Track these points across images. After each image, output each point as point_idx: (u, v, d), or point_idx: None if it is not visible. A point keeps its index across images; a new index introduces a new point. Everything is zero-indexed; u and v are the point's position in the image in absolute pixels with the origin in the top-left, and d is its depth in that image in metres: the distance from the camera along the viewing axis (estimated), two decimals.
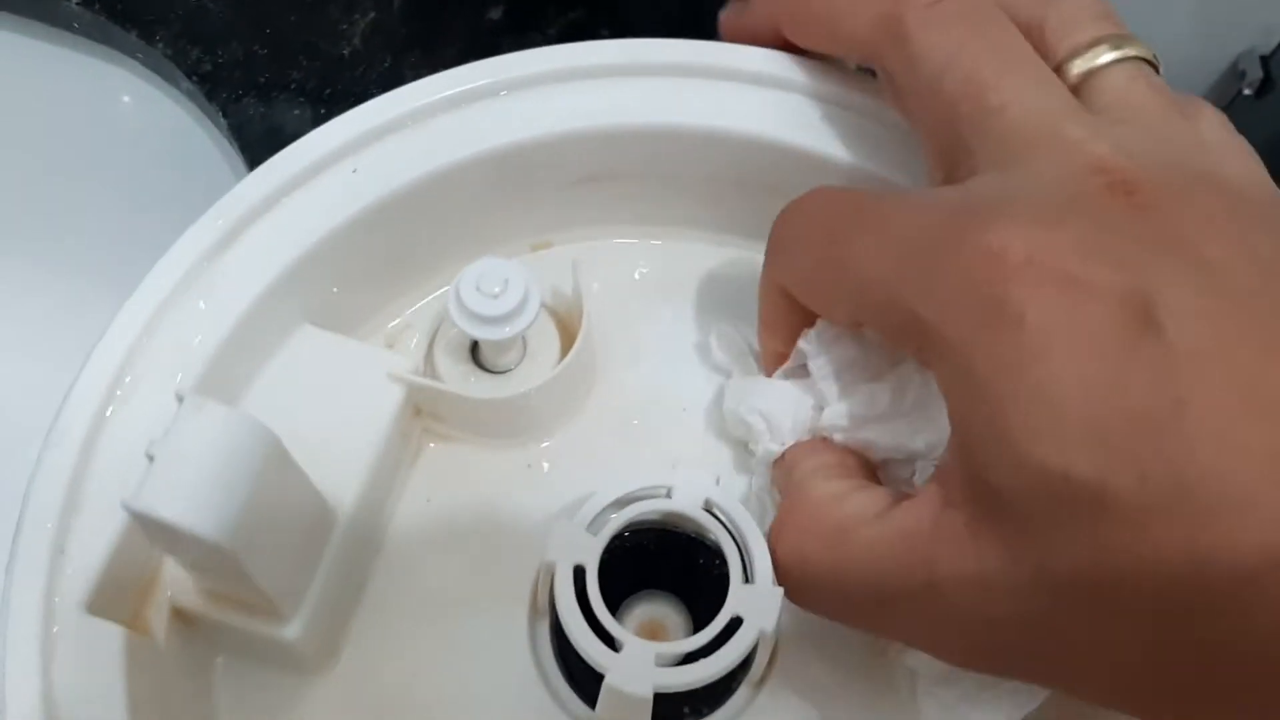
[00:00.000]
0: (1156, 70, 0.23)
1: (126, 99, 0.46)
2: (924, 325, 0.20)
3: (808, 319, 0.26)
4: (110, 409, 0.25)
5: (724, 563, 0.28)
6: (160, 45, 0.44)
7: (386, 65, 0.44)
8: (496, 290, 0.27)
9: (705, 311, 0.32)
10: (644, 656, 0.24)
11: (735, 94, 0.29)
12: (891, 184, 0.28)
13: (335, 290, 0.29)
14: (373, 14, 0.45)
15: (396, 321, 0.31)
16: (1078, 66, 0.23)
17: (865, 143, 0.28)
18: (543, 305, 0.29)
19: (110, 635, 0.23)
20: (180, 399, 0.21)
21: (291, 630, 0.25)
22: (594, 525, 0.26)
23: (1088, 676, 0.19)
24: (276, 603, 0.24)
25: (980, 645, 0.20)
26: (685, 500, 0.26)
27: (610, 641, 0.24)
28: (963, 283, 0.19)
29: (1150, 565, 0.17)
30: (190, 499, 0.20)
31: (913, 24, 0.23)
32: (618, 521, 0.25)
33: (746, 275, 0.32)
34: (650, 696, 0.23)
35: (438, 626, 0.28)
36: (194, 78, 0.43)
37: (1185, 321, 0.17)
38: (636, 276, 0.32)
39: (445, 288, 0.31)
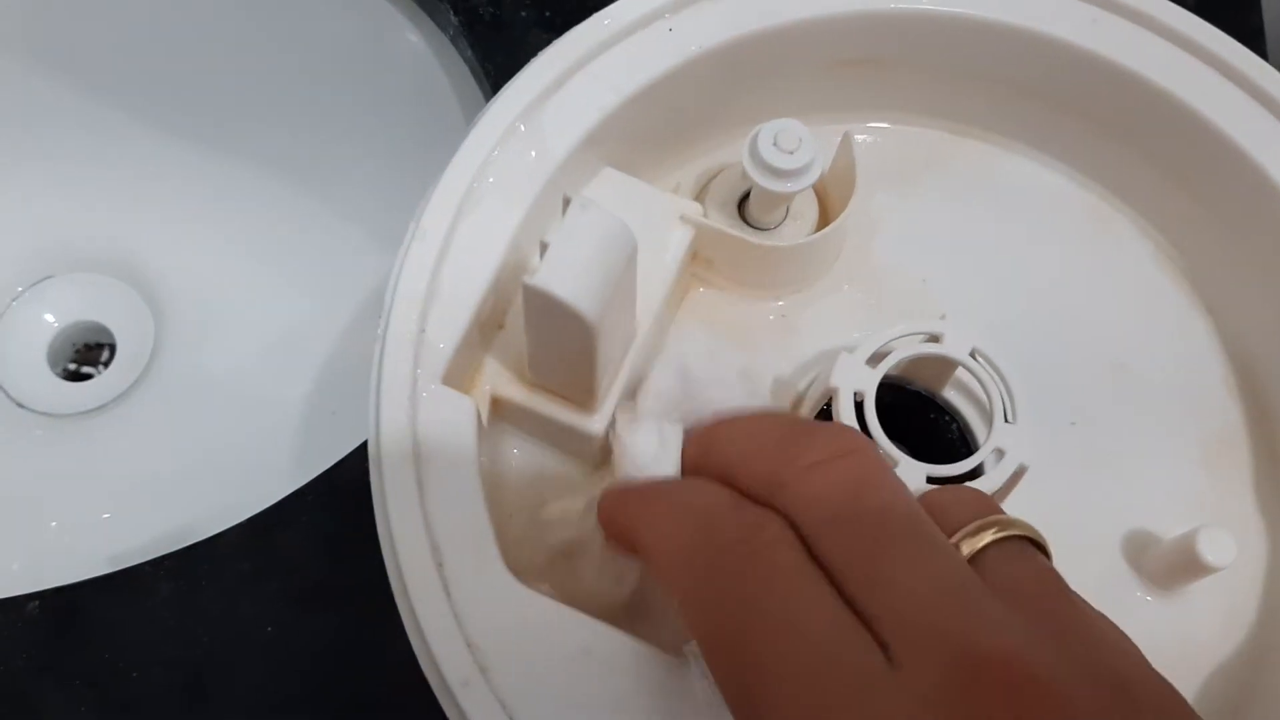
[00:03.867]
0: (1044, 551, 0.22)
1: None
2: None
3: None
4: (458, 219, 0.28)
5: (953, 420, 0.32)
6: None
7: None
8: (792, 147, 0.30)
9: (939, 196, 0.35)
10: (918, 474, 0.27)
11: None
12: (1147, 86, 0.31)
13: (633, 140, 0.32)
14: None
15: (667, 180, 0.34)
16: (962, 550, 0.21)
17: (1132, 44, 0.31)
18: None
19: (463, 403, 0.27)
20: (568, 200, 0.25)
21: (596, 423, 0.29)
22: (871, 361, 0.29)
23: None
24: (597, 393, 0.28)
25: None
26: (955, 345, 0.29)
27: None
28: None
29: None
30: (577, 282, 0.24)
31: (788, 481, 0.22)
32: (894, 357, 0.29)
33: (980, 166, 0.35)
34: None
35: None
36: None
37: None
38: (881, 157, 0.35)
39: (709, 153, 0.35)
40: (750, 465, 0.23)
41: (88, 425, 0.52)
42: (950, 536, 0.21)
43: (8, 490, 0.48)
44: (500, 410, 0.29)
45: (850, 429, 0.24)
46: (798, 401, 0.32)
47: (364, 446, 0.36)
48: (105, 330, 0.54)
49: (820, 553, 0.20)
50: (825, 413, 0.30)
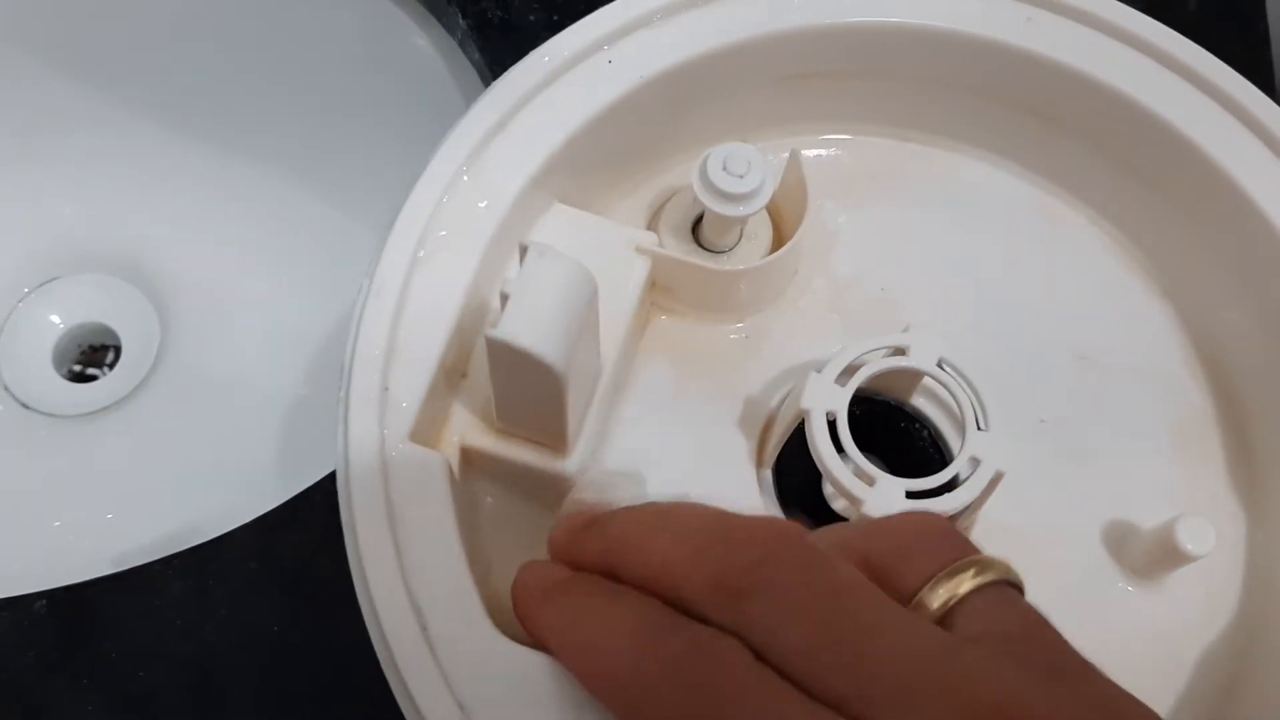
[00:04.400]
0: (1019, 589, 0.21)
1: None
2: None
3: None
4: (413, 272, 0.28)
5: (924, 428, 0.32)
6: None
7: None
8: (741, 171, 0.30)
9: (893, 204, 0.35)
10: (897, 490, 0.27)
11: None
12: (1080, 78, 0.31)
13: (582, 173, 0.31)
14: None
15: (619, 207, 0.34)
16: (940, 596, 0.20)
17: (1068, 41, 0.31)
18: None
19: (433, 459, 0.26)
20: (524, 248, 0.24)
21: (571, 464, 0.28)
22: (840, 379, 0.29)
23: None
24: (569, 436, 0.27)
25: None
26: (921, 357, 0.29)
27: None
28: None
29: None
30: (540, 330, 0.24)
31: (743, 586, 0.20)
32: (862, 374, 0.29)
33: (931, 171, 0.35)
34: None
35: (668, 471, 0.31)
36: None
37: None
38: (833, 169, 0.35)
39: (660, 176, 0.35)
40: (690, 574, 0.21)
41: (93, 426, 0.52)
42: (923, 585, 0.21)
43: (12, 491, 0.48)
44: (470, 459, 0.29)
45: (769, 516, 0.23)
46: (770, 421, 0.32)
47: None
48: (110, 331, 0.54)
49: (781, 652, 0.19)
50: (799, 433, 0.30)
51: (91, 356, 0.54)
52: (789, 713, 0.18)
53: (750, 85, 0.33)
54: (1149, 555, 0.30)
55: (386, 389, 0.27)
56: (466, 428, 0.29)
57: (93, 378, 0.53)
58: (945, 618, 0.20)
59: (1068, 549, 0.31)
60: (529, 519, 0.30)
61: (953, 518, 0.29)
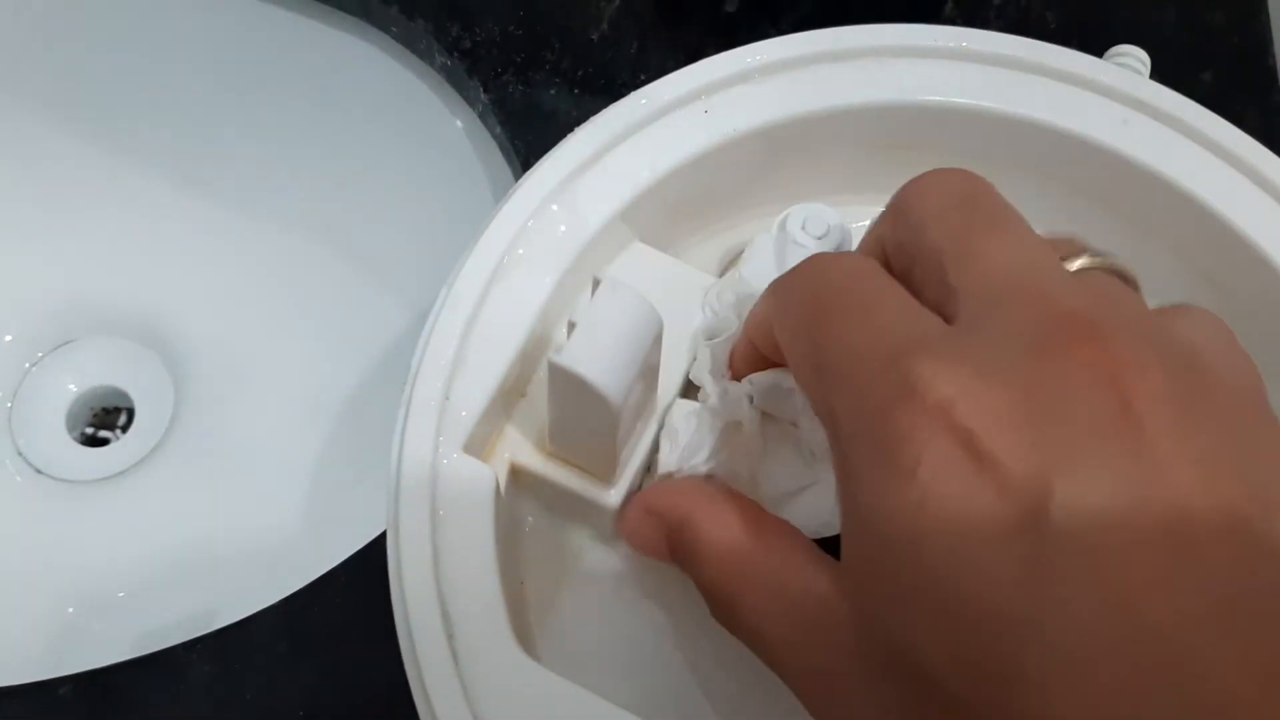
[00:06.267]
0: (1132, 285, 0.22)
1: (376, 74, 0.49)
2: (835, 425, 0.20)
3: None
4: (490, 286, 0.29)
5: None
6: (420, 21, 0.46)
7: (634, 50, 0.46)
8: (819, 233, 0.30)
9: None
10: None
11: (1036, 87, 0.32)
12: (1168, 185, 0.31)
13: (665, 216, 0.32)
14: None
15: (697, 254, 0.35)
16: None
17: (1161, 146, 0.31)
18: None
19: (483, 471, 0.27)
20: (597, 281, 0.25)
21: (613, 496, 0.29)
22: None
23: None
24: (616, 467, 0.28)
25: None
26: None
27: None
28: (876, 402, 0.19)
29: None
30: (602, 361, 0.24)
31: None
32: None
33: None
34: None
35: None
36: (455, 54, 0.45)
37: (1078, 521, 0.17)
38: None
39: (739, 228, 0.35)
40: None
41: (107, 492, 0.51)
42: None
43: (29, 562, 0.48)
44: (518, 478, 0.30)
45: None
46: None
47: None
48: (123, 394, 0.53)
49: (905, 256, 0.23)
50: None
51: (104, 419, 0.54)
52: (890, 302, 0.21)
53: (840, 150, 0.33)
54: None
55: (448, 398, 0.28)
56: (518, 447, 0.29)
57: (105, 440, 0.53)
58: None
59: None
60: (567, 542, 0.31)
61: None
